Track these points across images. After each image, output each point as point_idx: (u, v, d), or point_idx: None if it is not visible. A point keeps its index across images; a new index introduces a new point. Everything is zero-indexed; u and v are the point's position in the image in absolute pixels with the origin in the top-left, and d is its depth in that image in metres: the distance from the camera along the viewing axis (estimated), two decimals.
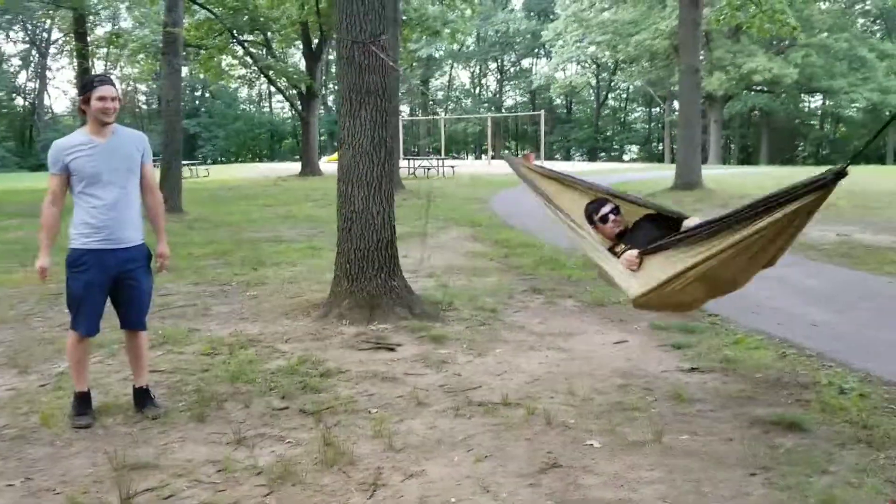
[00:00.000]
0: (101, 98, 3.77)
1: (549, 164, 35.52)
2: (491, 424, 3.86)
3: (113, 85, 3.87)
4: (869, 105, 41.62)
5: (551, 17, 55.17)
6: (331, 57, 54.60)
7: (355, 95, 5.83)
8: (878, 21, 51.93)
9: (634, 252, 4.12)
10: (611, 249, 4.41)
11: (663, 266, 3.89)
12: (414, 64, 52.68)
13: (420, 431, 3.77)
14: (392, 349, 5.18)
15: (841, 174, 3.10)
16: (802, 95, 50.84)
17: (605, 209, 4.57)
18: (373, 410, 4.06)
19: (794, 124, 55.56)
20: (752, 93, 46.53)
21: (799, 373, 4.66)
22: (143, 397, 4.04)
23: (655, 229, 4.32)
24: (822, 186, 3.21)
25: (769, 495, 3.04)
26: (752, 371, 4.68)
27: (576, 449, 3.54)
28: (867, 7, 46.88)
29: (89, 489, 3.14)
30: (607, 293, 6.98)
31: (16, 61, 57.85)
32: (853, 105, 43.03)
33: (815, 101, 55.54)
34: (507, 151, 56.58)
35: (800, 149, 57.81)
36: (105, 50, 21.70)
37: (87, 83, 3.86)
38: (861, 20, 49.69)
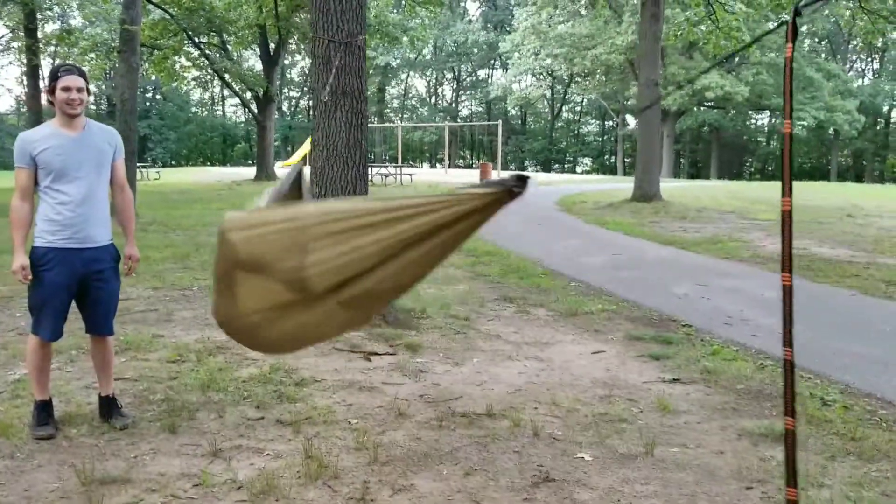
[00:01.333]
0: (66, 89, 3.55)
1: (505, 174, 35.63)
2: (477, 436, 3.74)
3: (81, 75, 3.64)
4: (815, 123, 42.86)
5: (508, 29, 55.61)
6: (287, 61, 54.30)
7: (330, 96, 5.67)
8: (822, 42, 53.66)
9: None
10: None
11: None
12: (371, 71, 52.46)
13: (404, 443, 3.63)
14: (369, 359, 5.02)
15: (524, 181, 1.97)
16: (751, 112, 52.17)
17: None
18: (353, 421, 3.91)
19: (743, 140, 56.97)
20: (703, 109, 47.57)
21: (779, 384, 4.64)
22: (109, 406, 3.80)
23: None
24: (501, 186, 1.99)
25: None
26: (734, 382, 4.66)
27: (567, 462, 3.45)
28: (814, 28, 48.34)
29: None
30: (579, 302, 6.95)
31: None
32: (800, 123, 44.25)
33: (763, 119, 57.10)
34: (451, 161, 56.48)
35: (747, 164, 59.29)
36: (53, 48, 20.96)
37: (52, 72, 3.62)
38: (808, 41, 51.24)
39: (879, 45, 49.13)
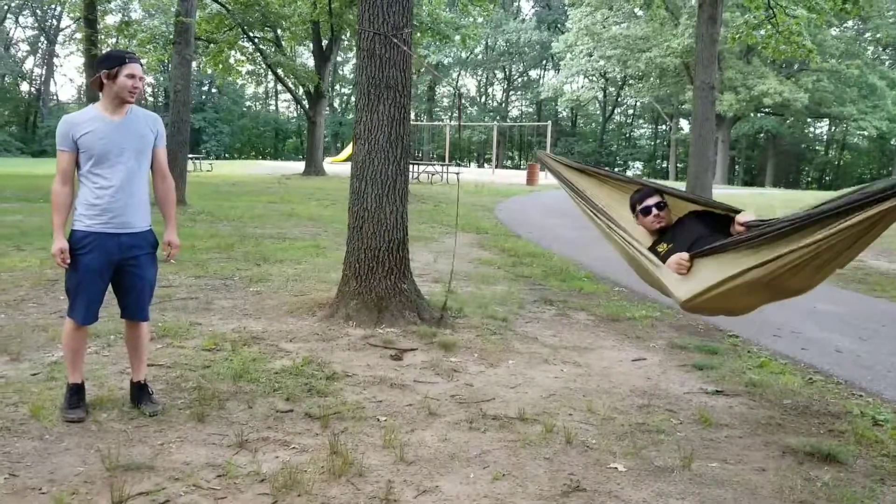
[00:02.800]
0: (131, 76, 3.56)
1: (552, 177, 35.35)
2: (507, 440, 3.64)
3: (141, 64, 3.67)
4: (877, 133, 41.49)
5: (561, 29, 55.14)
6: (339, 58, 54.69)
7: (374, 89, 5.62)
8: (887, 50, 51.90)
9: (685, 255, 3.72)
10: (652, 248, 4.04)
11: (720, 268, 3.46)
12: (422, 70, 52.56)
13: (432, 444, 3.55)
14: (399, 357, 4.95)
15: None
16: (809, 120, 50.76)
17: (650, 201, 4.16)
18: (382, 418, 3.84)
19: (800, 149, 55.46)
20: (761, 115, 46.45)
21: (829, 401, 4.44)
22: (140, 392, 3.81)
23: (702, 227, 3.95)
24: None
25: None
26: (780, 397, 4.46)
27: (599, 472, 3.32)
28: (878, 35, 46.78)
29: (78, 490, 2.91)
30: (622, 308, 6.78)
31: (24, 47, 57.73)
32: (860, 132, 42.93)
33: (822, 127, 55.50)
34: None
35: (804, 173, 57.70)
36: (114, 39, 21.42)
37: (116, 57, 3.61)
38: (871, 48, 49.64)
39: None
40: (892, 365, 5.24)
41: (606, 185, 4.53)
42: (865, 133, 42.56)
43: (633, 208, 4.24)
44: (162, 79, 50.79)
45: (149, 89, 55.53)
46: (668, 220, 4.17)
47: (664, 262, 3.84)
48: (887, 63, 50.33)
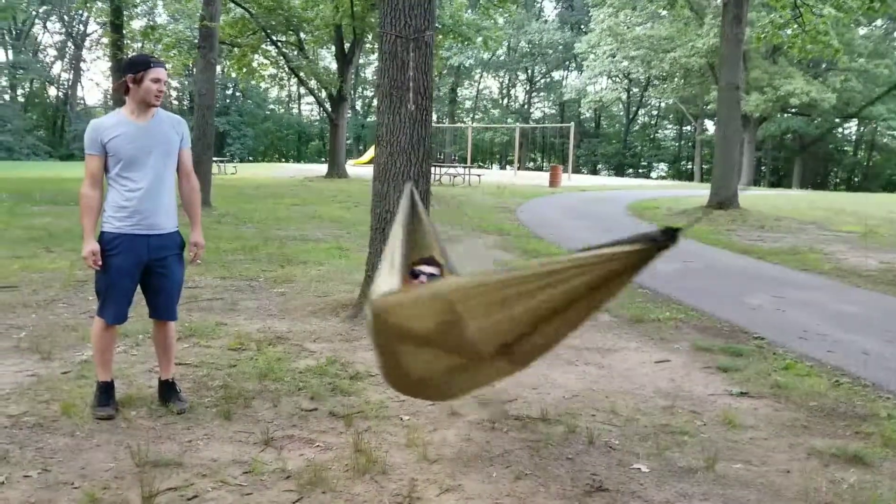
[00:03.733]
0: (156, 80, 3.63)
1: (575, 178, 35.34)
2: (530, 440, 3.65)
3: (165, 68, 3.74)
4: None
5: (584, 30, 54.94)
6: (361, 61, 54.98)
7: (396, 92, 5.66)
8: None
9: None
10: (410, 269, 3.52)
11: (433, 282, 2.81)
12: (444, 72, 52.69)
13: (455, 443, 3.57)
14: None
15: (674, 235, 1.91)
16: (837, 120, 50.08)
17: (427, 268, 3.61)
18: (405, 417, 3.87)
19: (828, 149, 54.75)
20: (787, 115, 45.91)
21: (855, 403, 4.40)
22: (168, 391, 3.87)
23: None
24: (651, 241, 1.99)
25: None
26: (806, 399, 4.42)
27: (622, 472, 3.32)
28: None
29: (109, 485, 2.97)
30: (646, 309, 6.75)
31: (52, 52, 58.70)
32: (891, 133, 42.28)
33: (851, 127, 54.76)
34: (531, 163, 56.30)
35: (832, 174, 56.96)
36: (140, 44, 21.72)
37: (141, 61, 3.67)
38: None
39: None
40: None
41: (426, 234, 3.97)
42: (895, 133, 41.88)
43: (411, 266, 3.63)
44: (187, 83, 51.35)
45: (174, 93, 56.23)
46: None
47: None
48: None
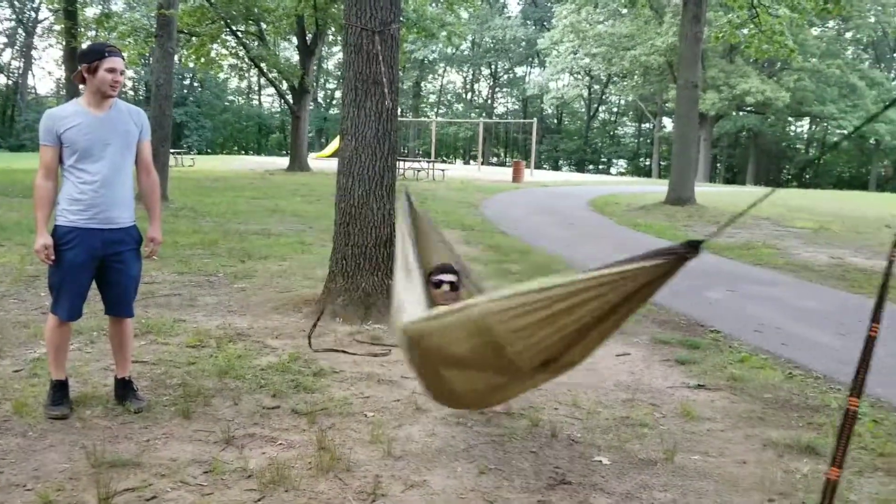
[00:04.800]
0: (111, 70, 3.53)
1: (537, 174, 35.53)
2: (494, 435, 3.66)
3: (122, 57, 3.64)
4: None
5: (547, 26, 55.25)
6: (324, 53, 54.50)
7: (361, 85, 5.62)
8: (867, 49, 52.45)
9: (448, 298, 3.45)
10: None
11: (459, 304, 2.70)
12: (408, 65, 52.44)
13: (419, 439, 3.57)
14: (388, 352, 4.97)
15: (696, 247, 2.05)
16: (790, 119, 51.22)
17: (446, 276, 3.73)
18: (369, 414, 3.85)
19: (781, 147, 55.96)
20: (742, 113, 46.80)
21: (808, 395, 4.51)
22: (125, 389, 3.79)
23: None
24: (673, 254, 2.10)
25: None
26: (761, 391, 4.52)
27: (584, 465, 3.35)
28: (858, 35, 47.27)
29: (64, 486, 2.90)
30: None
31: (1, 39, 57.00)
32: (840, 131, 43.40)
33: (803, 126, 56.01)
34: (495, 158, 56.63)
35: (785, 171, 58.25)
36: (94, 32, 21.20)
37: (94, 51, 3.57)
38: (851, 48, 50.13)
39: None
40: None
41: (436, 242, 4.21)
42: (845, 132, 42.96)
43: (428, 276, 3.71)
44: (143, 72, 50.31)
45: (130, 83, 55.06)
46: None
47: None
48: (867, 63, 50.89)
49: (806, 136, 57.55)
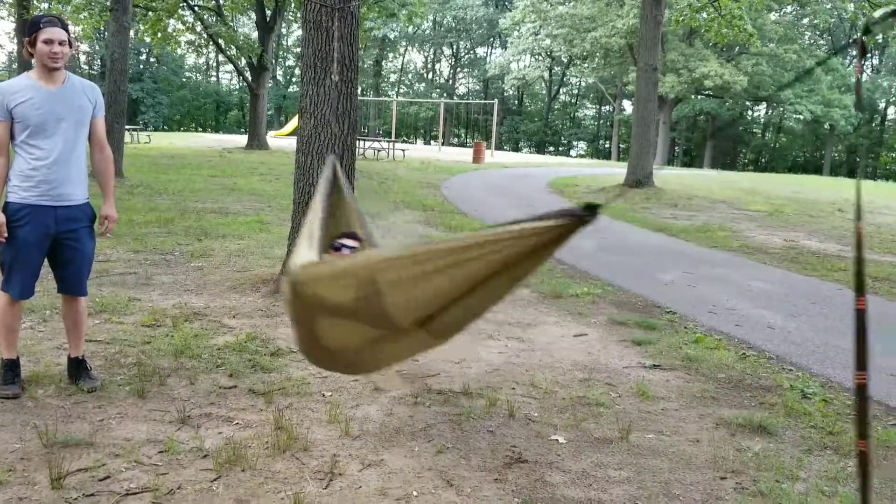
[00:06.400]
0: (48, 41, 3.42)
1: (498, 155, 35.56)
2: (451, 414, 3.69)
3: (62, 27, 3.52)
4: (811, 117, 42.79)
5: (509, 6, 55.10)
6: (283, 30, 53.62)
7: (320, 63, 5.54)
8: (824, 35, 53.42)
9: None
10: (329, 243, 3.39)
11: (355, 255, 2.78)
12: (369, 44, 51.89)
13: (377, 418, 3.58)
14: None
15: (594, 210, 1.85)
16: (748, 103, 52.03)
17: (348, 241, 3.50)
18: (327, 394, 3.85)
19: (738, 131, 56.87)
20: (701, 97, 47.38)
21: (760, 375, 4.62)
22: (78, 368, 3.73)
23: None
24: (572, 216, 1.92)
25: (742, 500, 2.95)
26: (715, 371, 4.62)
27: (541, 444, 3.40)
28: (815, 21, 48.12)
29: (15, 467, 2.84)
30: (565, 285, 6.89)
31: None
32: (797, 116, 44.24)
33: (760, 110, 56.97)
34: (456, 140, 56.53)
35: (742, 155, 59.26)
36: (47, 4, 20.54)
37: (32, 22, 3.47)
38: (808, 34, 51.03)
39: (879, 41, 49.07)
40: (820, 341, 5.47)
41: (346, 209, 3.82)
42: (801, 117, 43.80)
43: (331, 240, 3.47)
44: (98, 47, 48.99)
45: (84, 57, 53.56)
46: None
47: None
48: (823, 48, 51.84)
49: (762, 120, 58.55)
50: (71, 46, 3.56)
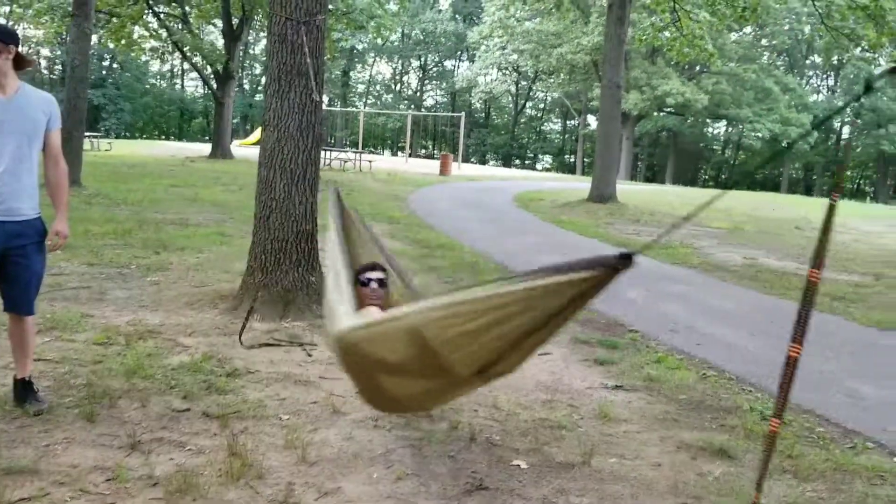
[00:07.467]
0: None
1: (465, 167, 35.65)
2: (412, 438, 3.62)
3: (12, 34, 3.41)
4: (770, 135, 43.66)
5: (477, 21, 55.41)
6: (251, 38, 53.22)
7: (285, 76, 5.47)
8: (782, 55, 54.63)
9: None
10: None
11: (395, 310, 2.78)
12: (337, 55, 51.76)
13: (335, 443, 3.50)
14: (306, 351, 4.86)
15: (629, 259, 2.01)
16: (708, 120, 52.95)
17: (373, 274, 3.70)
18: (284, 417, 3.76)
19: (699, 148, 57.80)
20: (663, 114, 48.09)
21: (721, 396, 4.63)
22: (24, 390, 3.58)
23: None
24: (606, 266, 2.05)
25: None
26: (676, 392, 4.62)
27: (502, 469, 3.35)
28: (773, 42, 49.22)
29: None
30: None
31: None
32: (755, 134, 45.08)
33: (720, 127, 57.98)
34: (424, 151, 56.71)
35: (702, 171, 60.22)
36: (8, 8, 20.13)
37: None
38: (766, 54, 52.13)
39: (835, 62, 50.39)
40: (779, 360, 5.47)
41: (365, 240, 4.27)
42: (759, 135, 44.61)
43: (357, 275, 3.75)
44: (59, 52, 48.08)
45: (44, 62, 52.49)
46: (387, 306, 3.59)
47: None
48: (781, 68, 53.00)
49: (723, 137, 59.58)
50: (22, 57, 3.44)
